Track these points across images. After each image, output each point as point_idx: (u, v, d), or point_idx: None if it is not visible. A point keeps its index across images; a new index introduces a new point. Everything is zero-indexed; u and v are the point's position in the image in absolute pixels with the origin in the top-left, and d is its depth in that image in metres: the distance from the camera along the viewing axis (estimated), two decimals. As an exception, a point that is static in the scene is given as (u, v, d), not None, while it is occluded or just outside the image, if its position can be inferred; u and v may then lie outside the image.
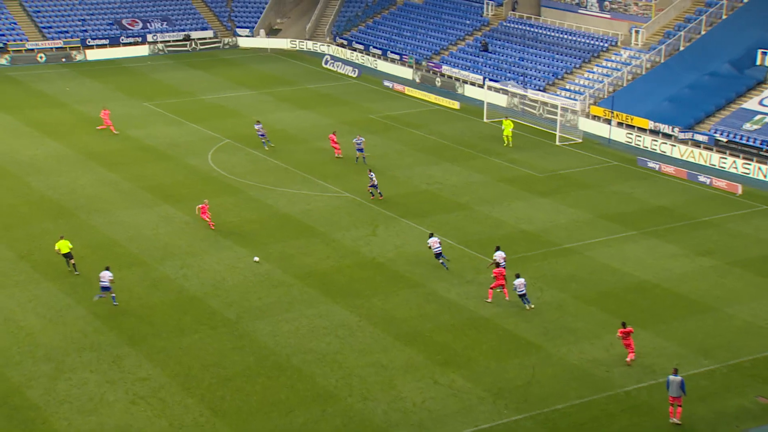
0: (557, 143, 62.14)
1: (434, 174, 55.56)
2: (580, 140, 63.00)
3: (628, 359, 34.27)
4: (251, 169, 55.81)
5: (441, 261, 41.61)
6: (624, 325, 34.43)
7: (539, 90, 69.79)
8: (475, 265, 42.63)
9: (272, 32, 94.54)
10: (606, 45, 72.79)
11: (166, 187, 52.34)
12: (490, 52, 78.17)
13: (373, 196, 50.43)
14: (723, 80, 63.44)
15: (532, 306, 38.29)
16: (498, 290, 39.12)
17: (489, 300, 38.95)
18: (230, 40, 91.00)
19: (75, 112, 67.56)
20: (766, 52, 63.11)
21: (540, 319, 37.73)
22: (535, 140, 63.09)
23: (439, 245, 41.70)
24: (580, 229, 47.32)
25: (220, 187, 52.32)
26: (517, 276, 38.44)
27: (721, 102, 62.03)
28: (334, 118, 66.76)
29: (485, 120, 66.88)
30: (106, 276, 37.56)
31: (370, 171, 51.36)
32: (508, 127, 61.38)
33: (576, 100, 67.15)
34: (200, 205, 46.35)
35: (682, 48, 68.69)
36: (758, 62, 63.33)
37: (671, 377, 30.69)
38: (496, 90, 70.94)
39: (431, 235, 42.26)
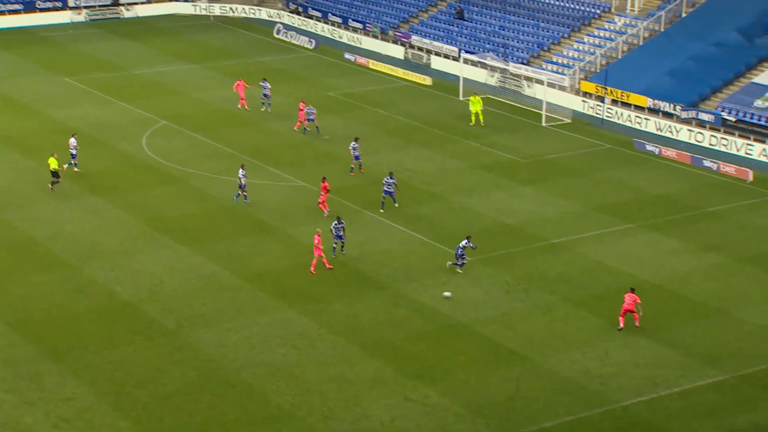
0: (543, 124, 62.46)
1: (403, 160, 55.62)
2: (569, 120, 63.34)
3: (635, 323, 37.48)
4: (192, 154, 55.56)
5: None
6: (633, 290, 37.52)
7: (522, 63, 70.00)
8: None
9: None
10: (598, 11, 73.20)
11: (94, 175, 51.94)
12: (466, 20, 78.32)
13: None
14: (731, 51, 64.05)
15: (392, 209, 44.62)
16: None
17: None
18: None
19: (-15, 90, 66.90)
20: (779, 19, 63.97)
21: (525, 325, 37.93)
22: (518, 121, 63.31)
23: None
24: (570, 222, 47.61)
25: (156, 176, 52.00)
26: (391, 175, 47.20)
27: (729, 76, 62.66)
28: (287, 96, 66.53)
29: (461, 98, 67.04)
30: None
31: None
32: (476, 104, 61.63)
33: (564, 74, 67.49)
34: (315, 235, 41.54)
35: (684, 14, 69.28)
36: (770, 30, 64.16)
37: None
38: (473, 63, 71.07)
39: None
